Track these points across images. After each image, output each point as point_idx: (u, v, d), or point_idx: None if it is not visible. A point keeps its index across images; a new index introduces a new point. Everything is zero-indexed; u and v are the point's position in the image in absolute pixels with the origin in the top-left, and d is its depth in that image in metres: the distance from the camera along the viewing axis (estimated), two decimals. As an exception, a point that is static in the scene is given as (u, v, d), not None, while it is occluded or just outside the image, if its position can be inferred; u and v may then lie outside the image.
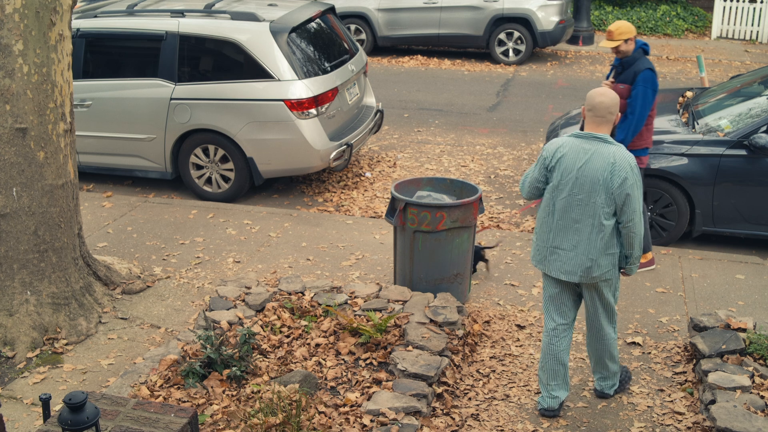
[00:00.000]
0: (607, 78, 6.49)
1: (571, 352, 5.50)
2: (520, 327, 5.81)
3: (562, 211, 4.46)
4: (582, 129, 4.44)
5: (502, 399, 5.00)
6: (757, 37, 16.68)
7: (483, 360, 5.40)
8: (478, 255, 6.54)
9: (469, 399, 4.98)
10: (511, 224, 7.90)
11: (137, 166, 8.45)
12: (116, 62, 8.43)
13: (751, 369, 4.90)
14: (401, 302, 5.66)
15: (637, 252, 4.47)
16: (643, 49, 6.32)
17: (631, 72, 6.24)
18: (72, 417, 2.73)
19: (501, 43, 14.54)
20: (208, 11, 8.29)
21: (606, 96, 4.38)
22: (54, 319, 5.62)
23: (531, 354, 5.48)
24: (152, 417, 3.07)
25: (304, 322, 5.45)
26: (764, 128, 6.96)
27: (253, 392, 4.71)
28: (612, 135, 4.55)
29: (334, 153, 8.06)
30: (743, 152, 7.00)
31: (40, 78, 5.39)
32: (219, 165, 8.21)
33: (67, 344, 5.55)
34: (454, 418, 4.73)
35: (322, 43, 8.70)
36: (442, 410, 4.76)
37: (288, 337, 5.33)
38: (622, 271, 4.61)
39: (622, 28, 6.23)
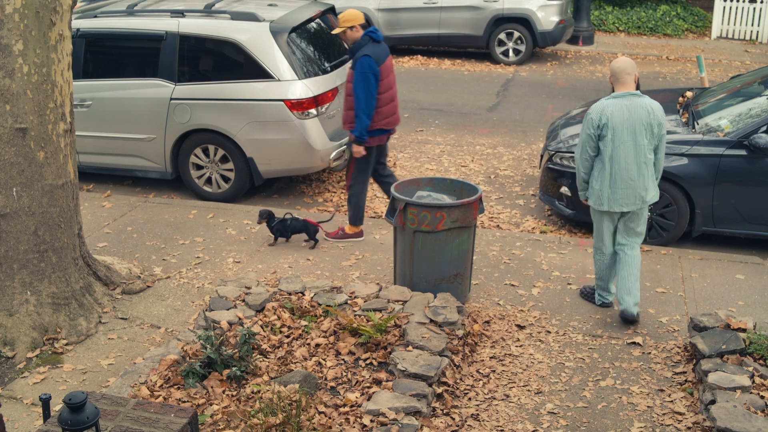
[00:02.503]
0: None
1: (571, 352, 5.50)
2: (520, 327, 5.81)
3: (618, 157, 5.55)
4: (612, 92, 5.64)
5: (502, 399, 5.00)
6: (757, 37, 16.68)
7: (483, 360, 5.40)
8: (309, 228, 6.97)
9: (469, 399, 4.97)
10: (511, 224, 7.90)
11: (137, 166, 8.45)
12: (116, 62, 8.43)
13: (751, 369, 4.90)
14: (401, 302, 5.66)
15: (659, 176, 5.79)
16: (371, 37, 6.69)
17: (355, 59, 6.64)
18: (72, 417, 2.73)
19: (501, 43, 14.54)
20: (208, 11, 8.28)
21: (628, 58, 5.61)
22: (54, 319, 5.62)
23: (531, 354, 5.48)
24: (152, 417, 3.07)
25: (304, 322, 5.45)
26: (764, 128, 6.96)
27: (253, 392, 4.71)
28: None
29: (334, 153, 8.06)
30: (743, 152, 7.00)
31: (40, 78, 5.39)
32: (219, 165, 8.21)
33: (67, 344, 5.55)
34: (454, 418, 4.73)
35: (322, 43, 8.70)
36: (442, 410, 4.76)
37: (288, 337, 5.33)
38: None
39: (346, 16, 6.66)
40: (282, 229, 7.01)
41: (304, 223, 7.01)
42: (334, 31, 6.84)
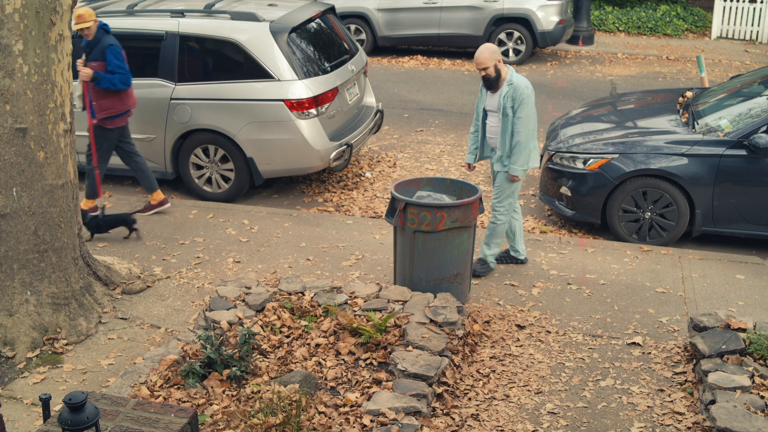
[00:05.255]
0: (81, 58, 7.25)
1: (571, 352, 5.50)
2: (520, 327, 5.81)
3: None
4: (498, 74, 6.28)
5: (502, 399, 5.00)
6: (757, 37, 16.68)
7: (483, 360, 5.40)
8: (128, 221, 7.14)
9: (469, 399, 4.98)
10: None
11: (137, 166, 8.44)
12: (116, 62, 8.42)
13: (751, 369, 4.90)
14: (401, 302, 5.66)
15: None
16: (105, 30, 7.30)
17: (99, 50, 7.18)
18: (72, 417, 2.73)
19: (501, 43, 14.53)
20: (208, 11, 8.28)
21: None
22: (54, 319, 5.62)
23: (531, 354, 5.48)
24: (152, 417, 3.07)
25: (304, 322, 5.45)
26: (764, 128, 6.96)
27: (253, 392, 4.71)
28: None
29: (334, 153, 8.06)
30: (743, 152, 7.00)
31: (40, 78, 5.39)
32: (219, 165, 8.20)
33: (67, 344, 5.55)
34: (454, 418, 4.73)
35: (322, 43, 8.70)
36: (442, 410, 4.76)
37: (288, 337, 5.33)
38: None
39: (85, 13, 7.08)
40: (96, 226, 7.09)
41: (118, 217, 7.14)
42: (75, 27, 7.00)
